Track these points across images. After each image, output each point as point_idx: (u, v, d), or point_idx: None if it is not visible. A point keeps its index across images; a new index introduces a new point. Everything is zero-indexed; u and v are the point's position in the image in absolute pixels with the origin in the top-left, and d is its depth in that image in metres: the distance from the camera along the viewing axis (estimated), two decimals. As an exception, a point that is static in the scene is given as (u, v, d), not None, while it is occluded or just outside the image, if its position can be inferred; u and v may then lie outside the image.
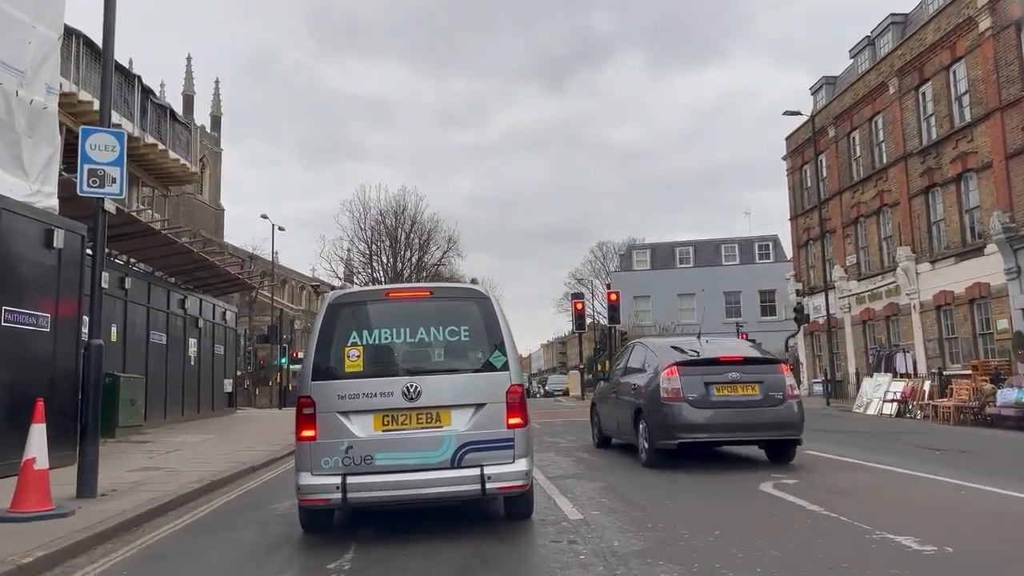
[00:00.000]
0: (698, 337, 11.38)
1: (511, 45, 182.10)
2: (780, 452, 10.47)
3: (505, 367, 6.40)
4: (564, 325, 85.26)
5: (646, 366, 11.02)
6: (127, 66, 25.35)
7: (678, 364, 10.14)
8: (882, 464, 10.27)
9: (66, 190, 11.29)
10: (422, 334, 6.49)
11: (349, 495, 5.98)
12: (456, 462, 6.12)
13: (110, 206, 9.00)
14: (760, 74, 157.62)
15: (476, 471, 6.09)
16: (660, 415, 9.98)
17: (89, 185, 8.59)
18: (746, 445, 11.03)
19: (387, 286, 9.21)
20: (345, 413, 6.14)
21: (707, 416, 9.80)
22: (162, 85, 59.01)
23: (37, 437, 7.27)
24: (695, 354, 10.43)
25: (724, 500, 7.64)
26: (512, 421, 6.26)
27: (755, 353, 11.00)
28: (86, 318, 9.80)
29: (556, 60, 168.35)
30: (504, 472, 6.15)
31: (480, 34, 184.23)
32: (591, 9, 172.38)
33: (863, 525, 6.25)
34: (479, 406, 6.26)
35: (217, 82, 76.97)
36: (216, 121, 75.66)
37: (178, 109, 45.40)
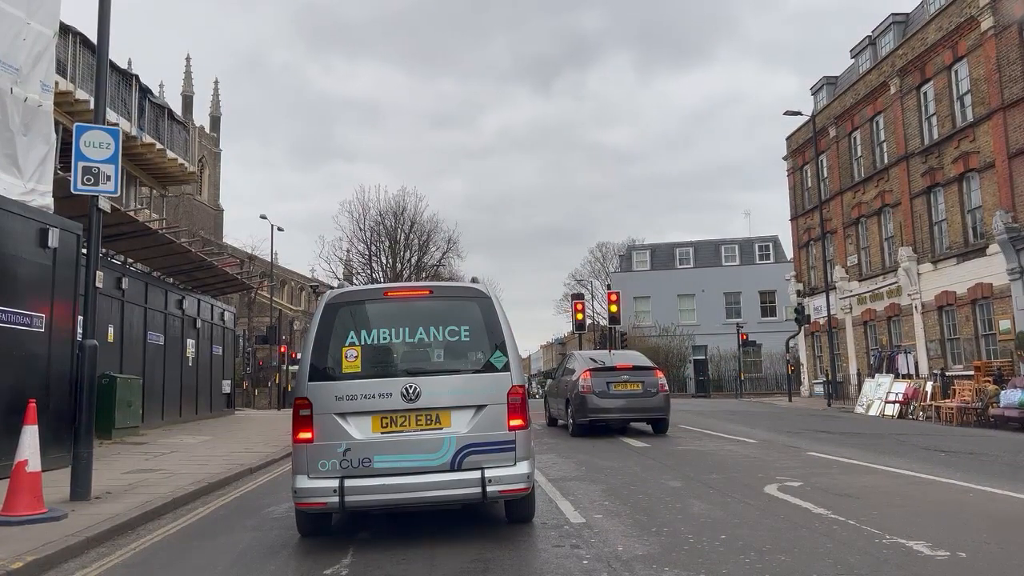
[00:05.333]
0: (609, 352, 18.05)
1: (500, 46, 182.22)
2: (657, 425, 15.25)
3: (506, 368, 6.27)
4: (564, 326, 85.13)
5: (574, 370, 15.55)
6: (126, 66, 25.26)
7: (590, 369, 14.81)
8: (887, 466, 10.15)
9: (61, 189, 11.17)
10: (421, 334, 6.36)
11: (347, 498, 5.85)
12: (456, 465, 5.99)
13: (105, 204, 8.85)
14: (748, 76, 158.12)
15: (477, 474, 5.96)
16: (578, 402, 14.67)
17: (83, 183, 8.46)
18: (634, 422, 15.61)
19: (385, 285, 9.05)
20: (343, 415, 6.01)
21: (607, 403, 14.52)
22: (161, 85, 58.98)
23: (29, 439, 7.15)
24: (602, 363, 15.20)
25: (729, 503, 7.50)
26: (513, 423, 6.13)
27: (641, 362, 15.83)
28: (81, 318, 9.68)
29: (546, 61, 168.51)
30: (505, 475, 6.02)
31: (469, 35, 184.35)
32: (579, 11, 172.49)
33: (872, 529, 6.13)
34: (480, 407, 6.12)
35: (216, 82, 77.10)
36: (215, 121, 75.59)
37: (177, 109, 45.28)
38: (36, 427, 7.25)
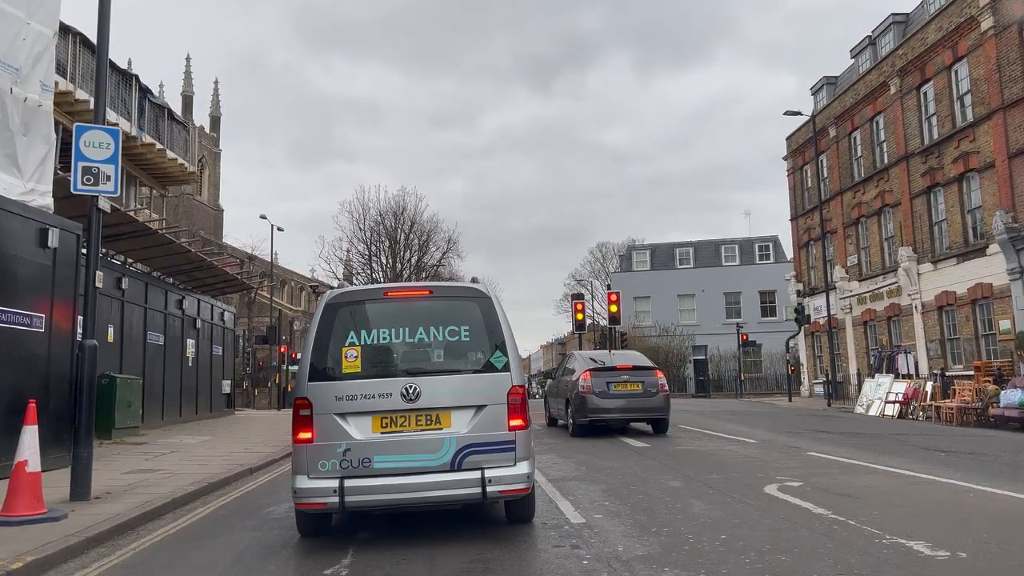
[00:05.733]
0: (609, 352, 18.00)
1: (499, 46, 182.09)
2: (657, 425, 15.29)
3: (506, 368, 6.27)
4: (564, 326, 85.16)
5: (574, 370, 15.60)
6: (126, 66, 25.25)
7: (590, 370, 14.83)
8: (887, 466, 10.15)
9: (61, 189, 11.16)
10: (421, 334, 6.36)
11: (347, 499, 5.84)
12: (456, 465, 5.98)
13: (105, 204, 8.85)
14: (747, 76, 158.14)
15: (477, 474, 5.96)
16: (578, 402, 14.69)
17: (83, 183, 8.46)
18: (635, 422, 15.64)
19: (385, 285, 9.03)
20: (343, 415, 6.01)
21: (607, 403, 14.54)
22: (161, 85, 58.96)
23: (29, 439, 7.15)
24: (602, 363, 15.23)
25: (729, 503, 7.50)
26: (513, 423, 6.13)
27: (641, 363, 15.85)
28: (81, 318, 9.67)
29: (545, 62, 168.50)
30: (505, 475, 6.02)
31: (468, 36, 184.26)
32: (578, 11, 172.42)
33: (872, 529, 6.12)
34: (480, 407, 6.12)
35: (216, 82, 77.16)
36: (215, 122, 75.58)
37: (177, 110, 45.26)
38: (36, 427, 7.25)
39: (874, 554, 5.37)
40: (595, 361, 15.52)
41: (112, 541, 6.71)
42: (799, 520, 6.60)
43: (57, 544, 6.12)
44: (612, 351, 19.44)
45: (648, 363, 16.04)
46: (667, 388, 15.36)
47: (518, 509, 6.70)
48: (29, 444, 7.13)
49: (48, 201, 11.56)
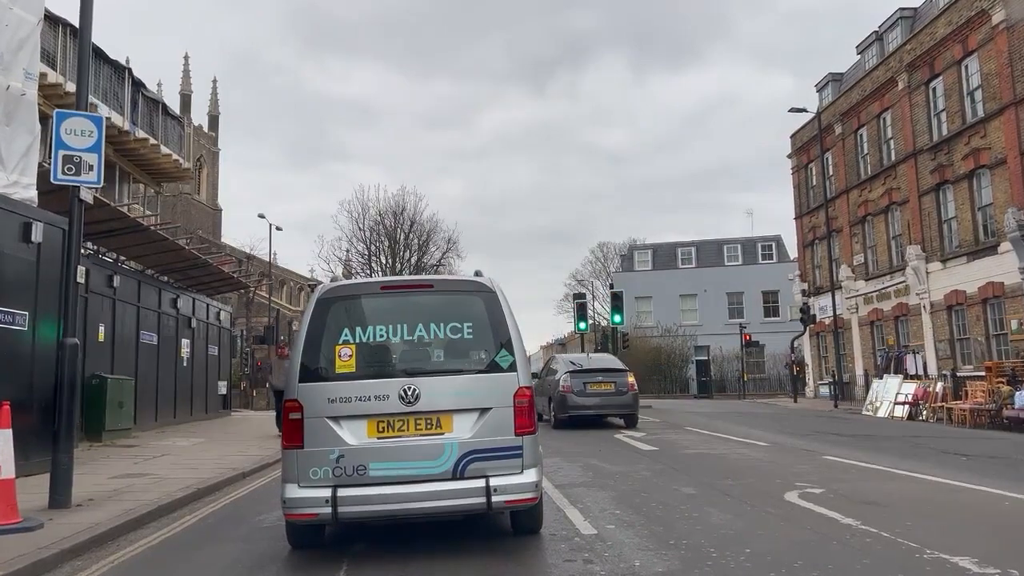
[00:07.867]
0: (588, 356, 20.55)
1: (495, 47, 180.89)
2: (628, 420, 17.33)
3: (512, 368, 5.82)
4: (564, 326, 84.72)
5: (556, 371, 17.96)
6: (123, 64, 24.75)
7: (570, 371, 17.21)
8: (909, 471, 9.70)
9: (46, 182, 10.69)
10: (421, 331, 5.89)
11: (340, 509, 5.39)
12: (458, 473, 5.52)
13: (87, 195, 8.40)
14: (744, 77, 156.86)
15: (481, 483, 5.50)
16: (559, 399, 17.00)
17: (64, 172, 8.02)
18: (608, 417, 17.44)
19: (382, 279, 8.50)
20: (336, 418, 5.55)
21: (584, 400, 16.78)
22: (159, 84, 58.44)
23: (2, 444, 6.70)
24: (579, 366, 17.70)
25: (749, 512, 7.05)
26: (520, 427, 5.67)
27: (614, 365, 18.11)
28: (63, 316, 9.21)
29: (540, 62, 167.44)
30: (512, 483, 5.55)
31: (464, 36, 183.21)
32: (573, 11, 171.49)
33: (909, 543, 5.66)
34: (484, 411, 5.67)
35: (215, 82, 76.72)
36: (214, 121, 75.09)
37: (176, 109, 44.76)
38: (10, 431, 6.80)
39: (917, 571, 4.92)
40: (574, 364, 17.89)
41: (89, 553, 6.25)
42: (827, 531, 6.13)
43: (28, 557, 5.68)
44: (589, 355, 21.65)
45: (620, 366, 18.14)
46: (636, 388, 17.60)
47: (525, 520, 6.23)
48: (2, 449, 6.68)
49: (32, 194, 11.09)
